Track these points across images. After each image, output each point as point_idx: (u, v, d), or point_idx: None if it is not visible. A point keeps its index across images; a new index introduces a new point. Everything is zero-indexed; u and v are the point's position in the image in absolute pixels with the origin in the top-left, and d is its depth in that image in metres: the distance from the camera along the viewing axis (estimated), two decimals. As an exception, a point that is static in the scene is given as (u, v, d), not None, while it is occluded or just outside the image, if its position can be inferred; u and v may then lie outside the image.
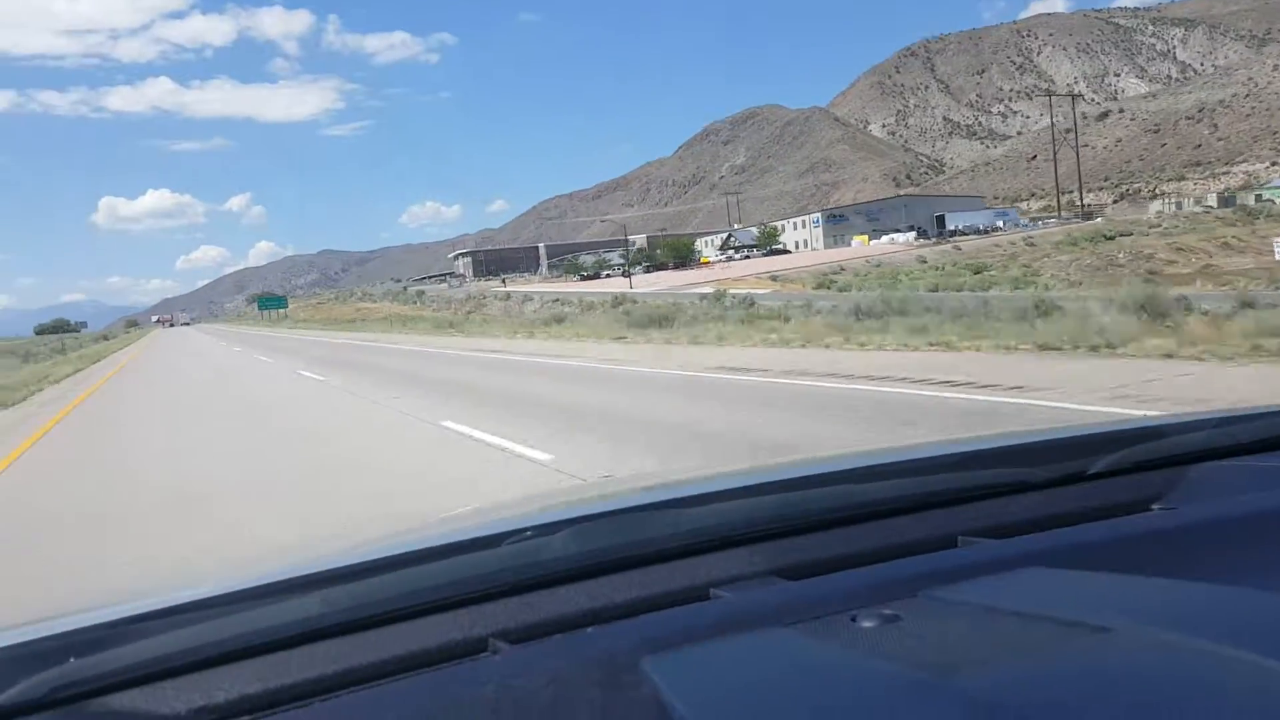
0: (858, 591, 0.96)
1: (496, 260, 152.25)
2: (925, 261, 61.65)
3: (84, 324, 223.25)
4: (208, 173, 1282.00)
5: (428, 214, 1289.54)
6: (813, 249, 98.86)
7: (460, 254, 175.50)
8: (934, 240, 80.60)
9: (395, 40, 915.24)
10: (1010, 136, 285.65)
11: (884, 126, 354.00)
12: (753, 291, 40.49)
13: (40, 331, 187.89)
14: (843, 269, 60.26)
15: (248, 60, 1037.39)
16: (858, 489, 1.29)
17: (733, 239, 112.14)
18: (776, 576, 1.07)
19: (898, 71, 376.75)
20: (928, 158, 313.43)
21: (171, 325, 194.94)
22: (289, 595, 1.00)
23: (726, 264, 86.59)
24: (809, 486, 1.32)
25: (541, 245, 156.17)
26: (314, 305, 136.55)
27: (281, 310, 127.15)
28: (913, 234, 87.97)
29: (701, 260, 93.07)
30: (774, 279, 58.08)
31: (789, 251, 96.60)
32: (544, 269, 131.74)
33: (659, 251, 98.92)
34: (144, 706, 0.87)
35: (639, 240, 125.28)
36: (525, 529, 1.14)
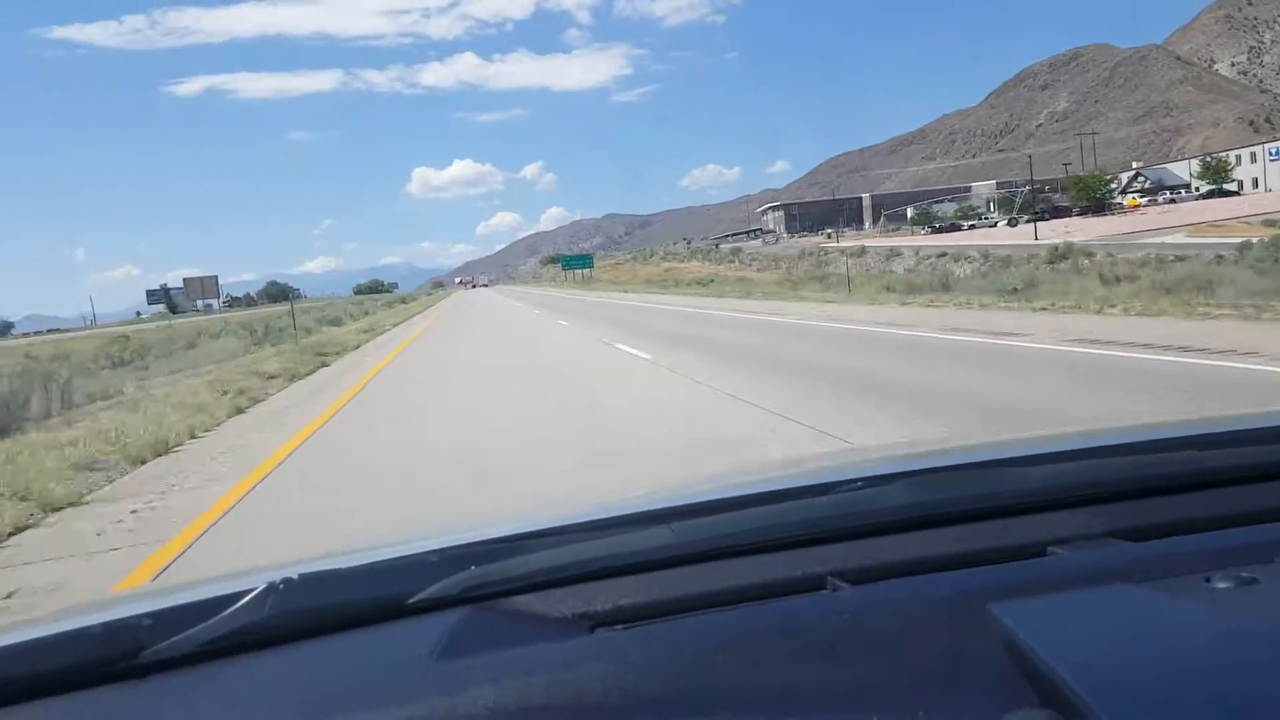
0: (1207, 555, 0.94)
1: (811, 213, 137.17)
2: None
3: (395, 284, 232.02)
4: (506, 143, 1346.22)
5: (708, 177, 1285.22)
6: (1267, 189, 75.96)
7: (769, 208, 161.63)
8: None
9: (683, 2, 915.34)
10: None
11: (1233, 65, 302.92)
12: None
13: (358, 291, 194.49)
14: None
15: (544, 32, 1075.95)
16: (1202, 455, 1.25)
17: (1142, 179, 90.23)
18: (1117, 538, 1.06)
19: (1249, 4, 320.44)
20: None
21: (473, 286, 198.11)
22: (652, 524, 1.13)
23: (1165, 207, 66.75)
24: (1149, 451, 1.30)
25: (865, 196, 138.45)
26: (614, 265, 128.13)
27: (586, 270, 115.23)
28: None
29: (1129, 203, 73.76)
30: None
31: (1236, 193, 74.49)
32: (875, 222, 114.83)
33: (1056, 195, 79.99)
34: (537, 608, 0.99)
35: (982, 189, 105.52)
36: (856, 479, 1.20)
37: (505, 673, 0.85)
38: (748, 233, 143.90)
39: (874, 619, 0.89)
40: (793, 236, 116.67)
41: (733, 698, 0.77)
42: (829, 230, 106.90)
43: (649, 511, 1.19)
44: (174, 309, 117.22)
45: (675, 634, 0.93)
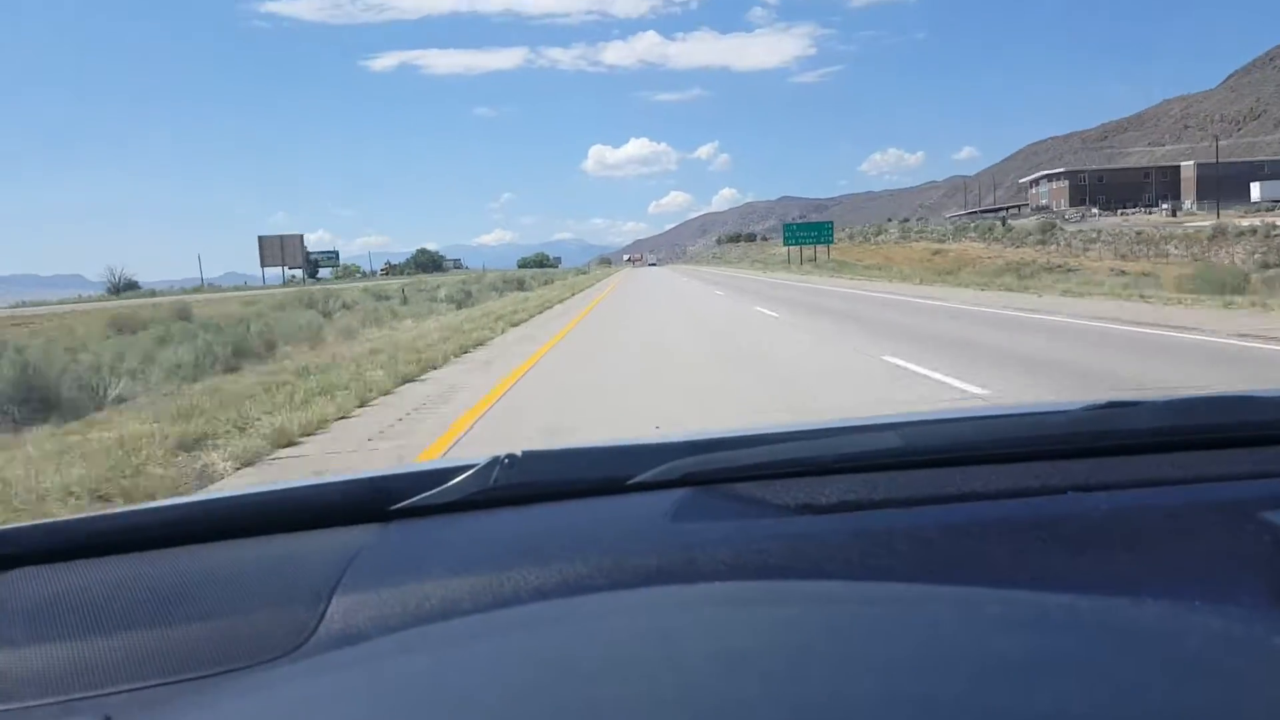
0: None
1: (1105, 185, 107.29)
2: None
3: (559, 259, 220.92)
4: (682, 122, 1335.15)
5: (889, 161, 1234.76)
6: None
7: (1042, 177, 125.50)
8: None
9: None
10: None
11: None
12: None
13: (523, 265, 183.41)
14: None
15: (728, 10, 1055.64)
16: None
17: None
18: None
19: None
20: None
21: (641, 264, 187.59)
22: (879, 431, 1.17)
23: None
24: None
25: (1188, 164, 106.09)
26: (839, 246, 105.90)
27: (824, 245, 77.16)
28: None
29: None
30: None
31: None
32: (1198, 196, 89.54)
33: None
34: (759, 494, 1.04)
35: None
36: (1099, 403, 1.20)
37: (738, 537, 0.93)
38: (999, 209, 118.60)
39: (1133, 519, 0.92)
40: (1078, 211, 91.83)
41: (982, 578, 0.79)
42: (1166, 205, 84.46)
43: (875, 422, 1.22)
44: (314, 274, 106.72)
45: (911, 521, 0.97)
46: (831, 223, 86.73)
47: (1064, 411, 1.21)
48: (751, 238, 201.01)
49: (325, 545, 1.00)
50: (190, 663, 0.81)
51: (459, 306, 26.87)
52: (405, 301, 28.50)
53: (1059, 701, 0.52)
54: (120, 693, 0.78)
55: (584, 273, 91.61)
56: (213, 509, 1.14)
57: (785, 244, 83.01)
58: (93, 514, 1.00)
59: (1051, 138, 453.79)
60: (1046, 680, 0.55)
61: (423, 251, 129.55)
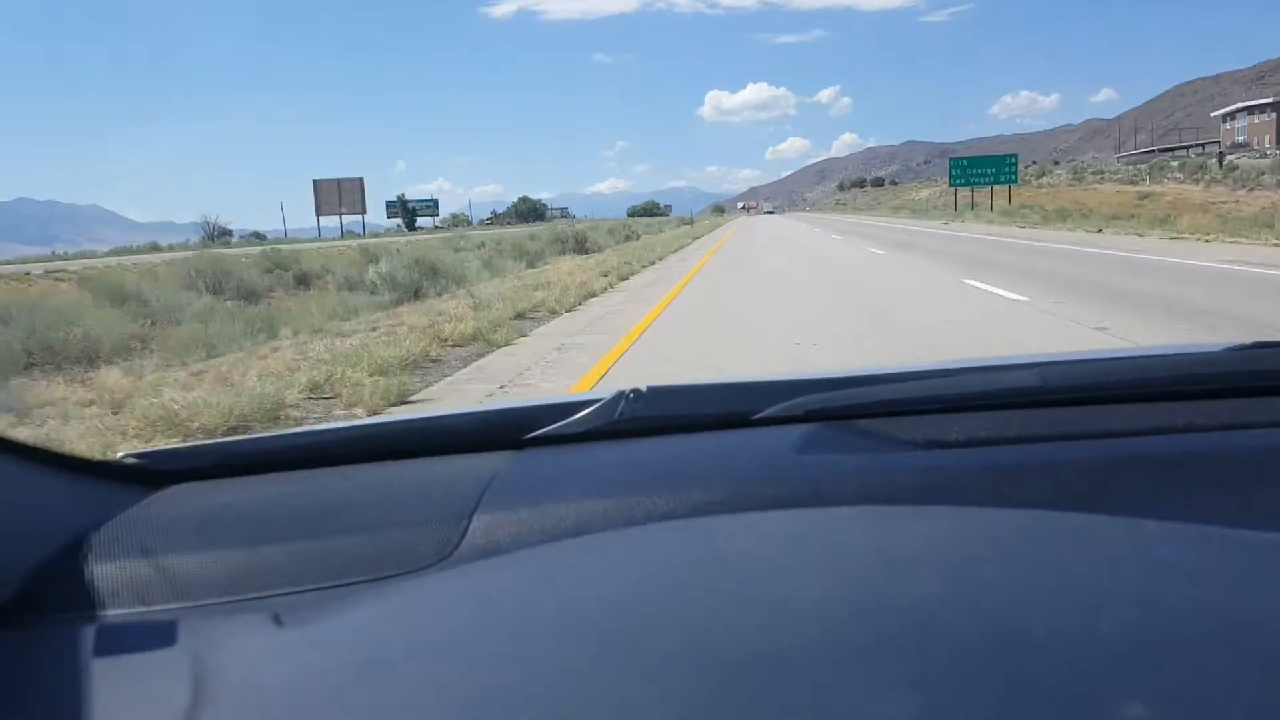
0: None
1: None
2: None
3: (669, 207, 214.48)
4: (802, 65, 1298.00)
5: (1021, 104, 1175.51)
6: None
7: (1241, 109, 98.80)
8: None
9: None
10: None
11: None
12: None
13: (632, 214, 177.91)
14: None
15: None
16: None
17: None
18: None
19: None
20: None
21: (757, 212, 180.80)
22: (1012, 370, 1.16)
23: None
24: None
25: None
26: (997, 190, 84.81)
27: (1004, 184, 59.19)
28: None
29: None
30: None
31: None
32: None
33: None
34: (886, 430, 1.04)
35: None
36: (1247, 343, 1.18)
37: (865, 469, 0.94)
38: (1176, 149, 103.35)
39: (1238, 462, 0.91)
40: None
41: (1124, 513, 0.78)
42: None
43: (1008, 362, 1.21)
44: (411, 225, 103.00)
45: (1047, 456, 0.96)
46: (1015, 155, 63.16)
47: (1210, 352, 1.18)
48: (880, 182, 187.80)
49: (466, 469, 1.05)
50: (346, 570, 0.86)
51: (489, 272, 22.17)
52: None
53: (1221, 636, 0.50)
54: (284, 595, 0.84)
55: (688, 223, 74.93)
56: (362, 434, 1.21)
57: (952, 183, 62.45)
58: (255, 435, 1.01)
59: (1200, 79, 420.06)
60: (1204, 619, 0.53)
61: (524, 200, 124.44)
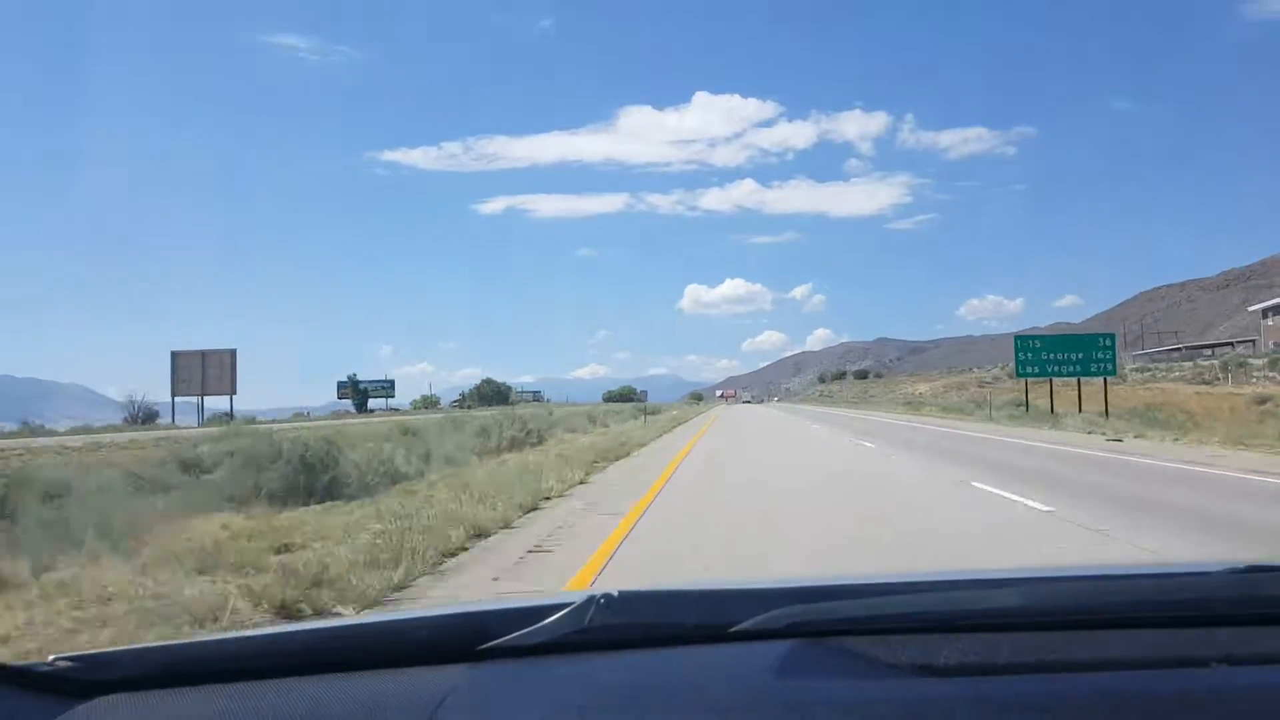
0: None
1: None
2: None
3: (645, 393, 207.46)
4: (777, 264, 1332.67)
5: (987, 307, 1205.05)
6: None
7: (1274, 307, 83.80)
8: None
9: (970, 135, 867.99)
10: None
11: None
12: None
13: (608, 399, 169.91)
14: None
15: (824, 160, 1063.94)
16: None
17: None
18: None
19: None
20: None
21: (735, 400, 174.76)
22: (999, 588, 1.09)
23: None
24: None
25: None
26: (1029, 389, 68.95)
27: (1097, 376, 35.72)
28: None
29: None
30: None
31: None
32: None
33: None
34: (872, 651, 0.97)
35: None
36: (1243, 566, 1.11)
37: (851, 698, 0.87)
38: (1208, 346, 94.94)
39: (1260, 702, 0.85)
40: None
41: None
42: None
43: (995, 577, 1.14)
44: (361, 405, 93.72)
45: (1040, 690, 0.90)
46: (1113, 335, 40.11)
47: (1204, 574, 1.11)
48: (863, 374, 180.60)
49: (412, 686, 0.98)
50: None
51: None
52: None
53: None
54: None
55: (653, 411, 61.14)
56: (310, 640, 1.13)
57: (1020, 373, 38.99)
58: (193, 640, 0.98)
59: (1165, 285, 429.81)
60: None
61: (488, 382, 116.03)
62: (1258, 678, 0.91)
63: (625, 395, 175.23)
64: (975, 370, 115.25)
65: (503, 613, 1.07)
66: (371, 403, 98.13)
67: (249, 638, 1.18)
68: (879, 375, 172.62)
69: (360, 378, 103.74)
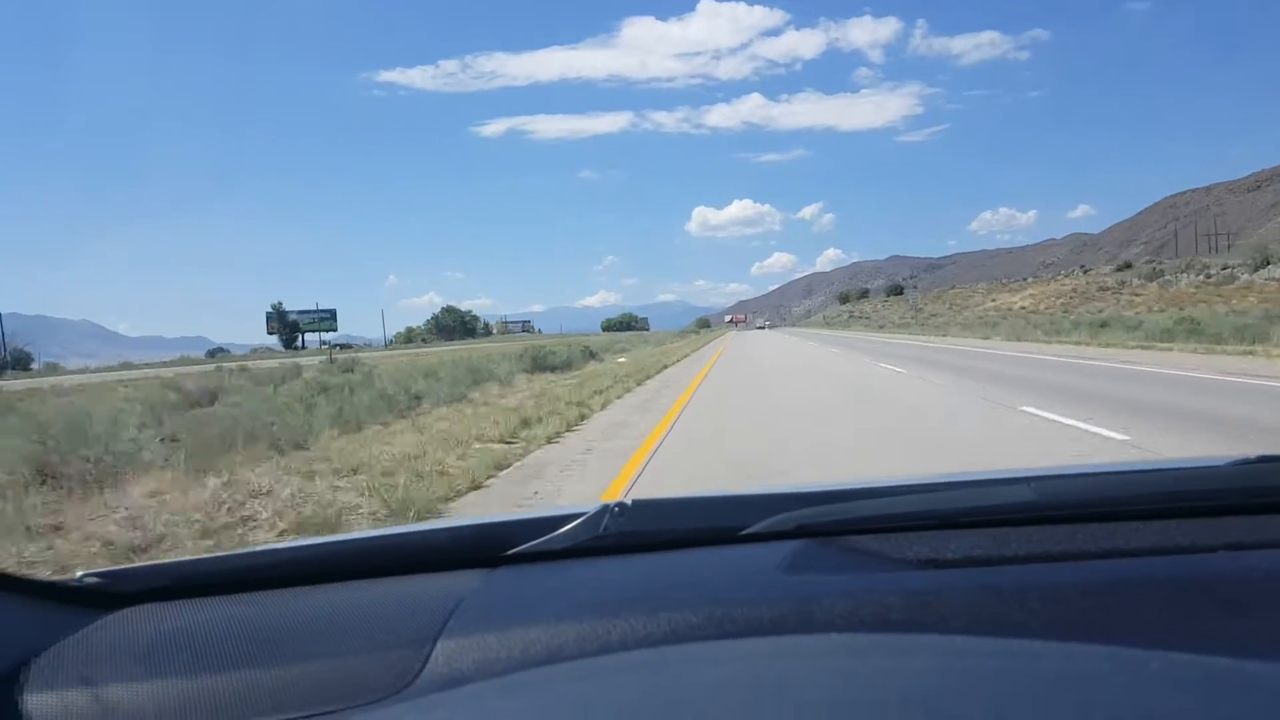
0: None
1: None
2: None
3: (647, 320, 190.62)
4: (785, 183, 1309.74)
5: (1000, 220, 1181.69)
6: None
7: None
8: None
9: (983, 40, 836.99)
10: None
11: None
12: None
13: (606, 328, 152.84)
14: None
15: (833, 71, 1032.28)
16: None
17: None
18: None
19: None
20: None
21: (747, 327, 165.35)
22: (1008, 485, 1.11)
23: None
24: None
25: None
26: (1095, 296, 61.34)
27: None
28: None
29: None
30: None
31: None
32: None
33: None
34: (878, 548, 1.00)
35: None
36: (1250, 459, 1.14)
37: (856, 590, 0.89)
38: None
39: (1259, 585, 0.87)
40: None
41: (1132, 638, 0.74)
42: None
43: (1004, 476, 1.17)
44: (290, 343, 76.48)
45: (1047, 578, 0.92)
46: None
47: (1212, 467, 1.15)
48: (898, 290, 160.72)
49: (432, 589, 1.01)
50: (296, 702, 0.82)
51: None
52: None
53: None
54: None
55: (658, 345, 54.12)
56: (330, 551, 1.17)
57: None
58: (205, 556, 1.05)
59: (1190, 190, 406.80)
60: None
61: (449, 311, 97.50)
62: (1263, 562, 0.93)
63: (625, 323, 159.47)
64: (1081, 272, 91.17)
65: (520, 523, 1.11)
66: (308, 338, 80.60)
67: (274, 549, 1.22)
68: (899, 291, 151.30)
69: (288, 308, 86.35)
